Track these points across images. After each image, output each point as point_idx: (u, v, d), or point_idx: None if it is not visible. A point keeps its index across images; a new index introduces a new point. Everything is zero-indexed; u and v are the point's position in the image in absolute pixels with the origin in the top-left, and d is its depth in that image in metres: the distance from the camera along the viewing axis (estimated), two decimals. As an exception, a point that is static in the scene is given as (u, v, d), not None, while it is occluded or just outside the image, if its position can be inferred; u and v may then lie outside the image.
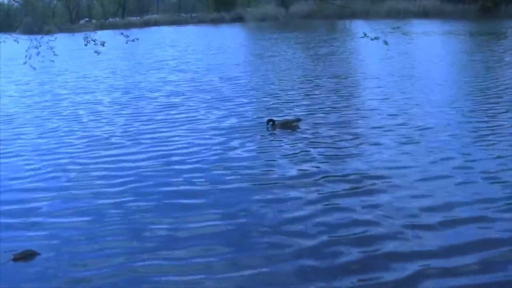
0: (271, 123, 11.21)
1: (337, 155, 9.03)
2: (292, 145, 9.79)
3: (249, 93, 16.03)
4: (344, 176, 7.89)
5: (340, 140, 9.97)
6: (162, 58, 29.40)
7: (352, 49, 28.64)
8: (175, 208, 6.84)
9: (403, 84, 16.29)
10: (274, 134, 10.68)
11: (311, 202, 6.88)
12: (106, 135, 11.44)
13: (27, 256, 5.65)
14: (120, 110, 14.55)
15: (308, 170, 8.21)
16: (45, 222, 6.64)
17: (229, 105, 14.15)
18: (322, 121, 11.69)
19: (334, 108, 13.10)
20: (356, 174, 7.94)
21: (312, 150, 9.35)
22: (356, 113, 12.35)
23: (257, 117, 12.33)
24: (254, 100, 14.90)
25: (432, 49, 26.31)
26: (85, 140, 11.03)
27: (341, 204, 6.83)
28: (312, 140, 10.01)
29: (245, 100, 14.87)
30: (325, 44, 31.52)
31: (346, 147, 9.47)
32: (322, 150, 9.36)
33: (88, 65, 27.44)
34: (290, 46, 31.63)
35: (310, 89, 16.34)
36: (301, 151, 9.30)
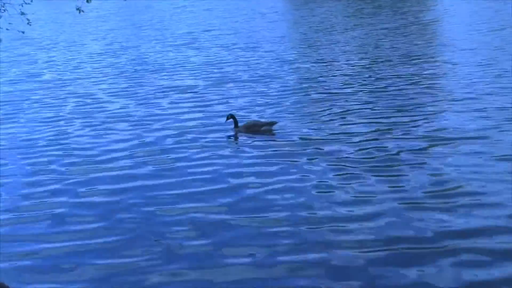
0: (232, 120, 9.92)
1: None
2: (342, 169, 7.92)
3: (312, 86, 13.08)
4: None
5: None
6: (182, 29, 25.76)
7: (442, 19, 23.99)
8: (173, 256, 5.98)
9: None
10: (236, 141, 9.40)
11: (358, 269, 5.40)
12: (100, 148, 9.66)
13: None
14: (124, 108, 12.09)
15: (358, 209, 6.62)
16: (15, 253, 6.52)
17: (279, 106, 11.54)
18: (389, 136, 9.28)
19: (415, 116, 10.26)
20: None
21: (369, 174, 7.65)
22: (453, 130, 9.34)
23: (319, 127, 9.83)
24: (316, 99, 11.88)
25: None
26: (72, 151, 9.59)
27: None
28: (362, 158, 8.26)
29: (302, 91, 12.33)
30: (401, 15, 26.79)
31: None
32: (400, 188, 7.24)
33: (80, 36, 24.50)
34: (353, 16, 27.33)
35: (390, 85, 12.87)
36: (352, 177, 7.62)
